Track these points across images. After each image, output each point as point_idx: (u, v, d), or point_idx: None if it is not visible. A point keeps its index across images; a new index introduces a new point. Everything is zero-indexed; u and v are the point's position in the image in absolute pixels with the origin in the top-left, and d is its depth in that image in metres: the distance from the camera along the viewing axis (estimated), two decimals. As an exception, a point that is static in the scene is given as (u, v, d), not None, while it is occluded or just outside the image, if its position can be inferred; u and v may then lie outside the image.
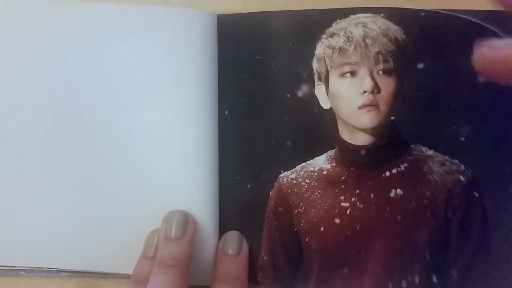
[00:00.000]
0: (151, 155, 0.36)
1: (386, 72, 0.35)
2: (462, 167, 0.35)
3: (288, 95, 0.36)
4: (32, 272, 0.37)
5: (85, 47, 0.36)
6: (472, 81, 0.34)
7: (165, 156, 0.36)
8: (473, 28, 0.34)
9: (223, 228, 0.37)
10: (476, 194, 0.35)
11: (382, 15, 0.35)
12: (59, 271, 0.37)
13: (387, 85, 0.35)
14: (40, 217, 0.37)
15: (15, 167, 0.37)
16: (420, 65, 0.35)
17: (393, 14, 0.35)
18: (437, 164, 0.35)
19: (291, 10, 0.36)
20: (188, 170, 0.36)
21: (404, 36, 0.35)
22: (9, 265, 0.37)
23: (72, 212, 0.36)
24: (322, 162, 0.37)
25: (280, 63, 0.36)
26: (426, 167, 0.35)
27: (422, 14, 0.35)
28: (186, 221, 0.35)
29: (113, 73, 0.36)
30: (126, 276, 0.36)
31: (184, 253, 0.33)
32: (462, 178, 0.35)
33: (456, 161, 0.35)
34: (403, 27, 0.35)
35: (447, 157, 0.35)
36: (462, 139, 0.35)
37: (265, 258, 0.37)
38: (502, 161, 0.35)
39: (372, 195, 0.36)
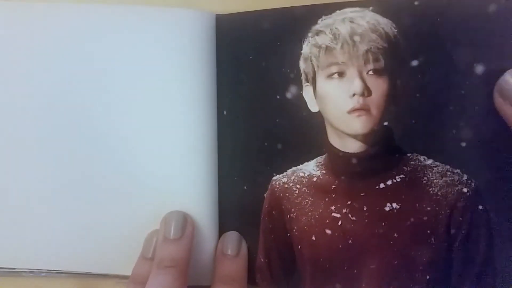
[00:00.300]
0: (150, 156, 0.36)
1: (376, 72, 0.32)
2: (465, 177, 0.31)
3: (278, 97, 0.34)
4: (32, 272, 0.38)
5: (84, 48, 0.36)
6: (469, 72, 0.30)
7: (164, 156, 0.36)
8: (472, 10, 0.31)
9: (222, 228, 0.36)
10: (480, 207, 0.31)
11: (370, 8, 0.32)
12: (59, 272, 0.38)
13: (379, 86, 0.32)
14: (39, 219, 0.37)
15: (14, 170, 0.37)
16: (415, 63, 0.31)
17: (383, 7, 0.32)
18: (437, 175, 0.32)
19: (278, 8, 0.34)
20: (187, 171, 0.36)
21: (396, 30, 0.31)
22: (9, 267, 0.38)
23: (71, 214, 0.37)
24: (311, 168, 0.34)
25: (270, 63, 0.35)
26: (425, 178, 0.32)
27: (416, 3, 0.31)
28: (185, 222, 0.34)
29: (111, 73, 0.36)
30: (125, 277, 0.36)
31: (183, 254, 0.33)
32: (465, 190, 0.31)
33: (458, 171, 0.31)
34: (394, 20, 0.32)
35: (448, 167, 0.31)
36: (463, 144, 0.31)
37: (261, 260, 0.36)
38: (508, 168, 0.30)
39: (365, 208, 0.33)
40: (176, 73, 0.36)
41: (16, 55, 0.36)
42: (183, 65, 0.35)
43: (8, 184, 0.37)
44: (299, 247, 0.34)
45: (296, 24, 0.34)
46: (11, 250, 0.37)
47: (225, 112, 0.36)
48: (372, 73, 0.32)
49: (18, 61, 0.36)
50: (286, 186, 0.35)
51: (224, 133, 0.36)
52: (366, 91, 0.31)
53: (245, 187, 0.36)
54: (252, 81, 0.35)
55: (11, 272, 0.38)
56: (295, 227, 0.35)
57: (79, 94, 0.36)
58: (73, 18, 0.36)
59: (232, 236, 0.36)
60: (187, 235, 0.34)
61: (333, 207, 0.33)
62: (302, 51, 0.33)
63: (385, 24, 0.31)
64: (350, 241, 0.33)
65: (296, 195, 0.35)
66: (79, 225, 0.37)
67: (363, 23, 0.31)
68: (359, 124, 0.32)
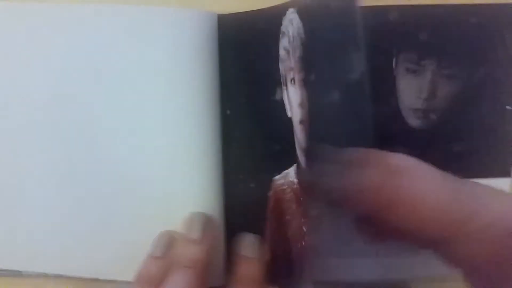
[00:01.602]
0: (153, 157, 0.35)
1: None
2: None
3: (279, 97, 0.34)
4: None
5: (85, 49, 0.36)
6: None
7: (167, 157, 0.35)
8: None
9: (228, 228, 0.36)
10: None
11: None
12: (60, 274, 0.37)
13: None
14: (41, 223, 0.36)
15: (15, 171, 0.36)
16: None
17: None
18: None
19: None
20: (191, 171, 0.35)
21: None
22: (10, 269, 0.37)
23: (73, 217, 0.36)
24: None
25: (273, 63, 0.34)
26: None
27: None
28: (209, 224, 0.34)
29: (113, 74, 0.36)
30: (125, 282, 0.36)
31: (203, 256, 0.33)
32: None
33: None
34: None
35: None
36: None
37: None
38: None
39: None
40: (178, 73, 0.35)
41: (18, 57, 0.36)
42: (185, 65, 0.35)
43: (9, 187, 0.36)
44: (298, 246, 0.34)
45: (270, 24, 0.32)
46: (12, 253, 0.37)
47: (228, 112, 0.37)
48: None
49: (19, 63, 0.36)
50: (283, 187, 0.35)
51: (229, 132, 0.36)
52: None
53: (251, 185, 0.36)
54: (255, 81, 0.35)
55: (11, 272, 0.38)
56: (290, 230, 0.34)
57: (81, 97, 0.36)
58: (73, 18, 0.36)
59: (249, 238, 0.36)
60: (209, 237, 0.33)
61: None
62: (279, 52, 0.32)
63: None
64: None
65: (288, 198, 0.34)
66: (80, 229, 0.36)
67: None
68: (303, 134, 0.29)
